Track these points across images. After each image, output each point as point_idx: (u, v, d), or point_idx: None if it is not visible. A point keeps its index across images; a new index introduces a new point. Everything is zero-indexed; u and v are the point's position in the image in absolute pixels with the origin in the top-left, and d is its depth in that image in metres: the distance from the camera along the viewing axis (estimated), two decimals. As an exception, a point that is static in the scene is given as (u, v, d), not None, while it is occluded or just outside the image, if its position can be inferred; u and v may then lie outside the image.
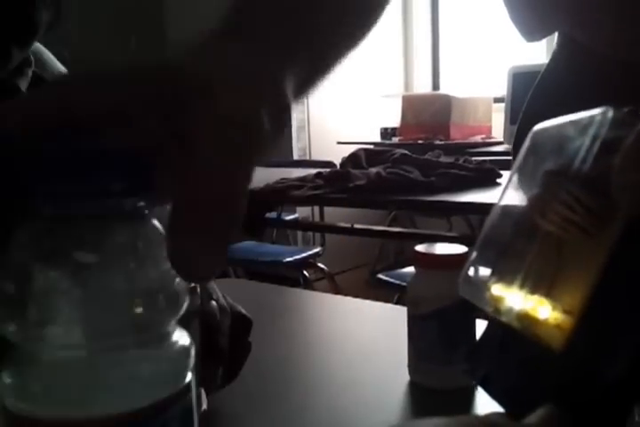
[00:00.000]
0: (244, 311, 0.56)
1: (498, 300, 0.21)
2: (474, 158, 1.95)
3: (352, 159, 2.06)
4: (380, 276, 2.10)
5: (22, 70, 0.60)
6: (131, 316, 0.22)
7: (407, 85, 4.10)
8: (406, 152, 1.99)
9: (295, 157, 3.49)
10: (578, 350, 0.18)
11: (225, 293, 0.55)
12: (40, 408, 0.21)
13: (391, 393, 0.53)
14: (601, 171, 0.19)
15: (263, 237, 2.69)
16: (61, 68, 0.86)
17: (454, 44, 3.89)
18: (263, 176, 2.20)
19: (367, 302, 0.80)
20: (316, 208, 2.99)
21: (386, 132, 3.59)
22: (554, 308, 0.19)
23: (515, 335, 0.21)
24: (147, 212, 0.24)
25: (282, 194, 1.84)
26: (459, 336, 0.53)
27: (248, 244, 2.82)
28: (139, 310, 0.22)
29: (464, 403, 0.50)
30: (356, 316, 0.76)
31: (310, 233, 3.34)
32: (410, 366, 0.56)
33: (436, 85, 4.08)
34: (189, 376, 0.24)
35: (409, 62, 4.09)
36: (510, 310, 0.20)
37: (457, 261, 0.47)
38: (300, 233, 3.40)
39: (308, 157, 3.51)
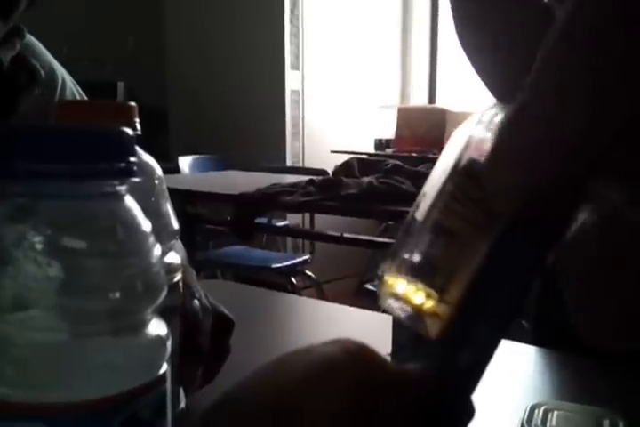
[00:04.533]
0: (226, 312, 0.55)
1: (388, 288, 0.22)
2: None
3: (345, 168, 2.06)
4: (368, 286, 2.10)
5: (8, 40, 0.60)
6: (107, 301, 0.22)
7: (403, 97, 4.12)
8: (399, 163, 2.00)
9: (288, 163, 3.49)
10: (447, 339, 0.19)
11: (209, 294, 0.55)
12: (12, 392, 0.21)
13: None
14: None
15: (253, 242, 2.68)
16: (53, 61, 0.86)
17: (452, 58, 3.92)
18: (254, 181, 2.20)
19: (353, 309, 0.80)
20: (307, 215, 2.99)
21: (380, 144, 3.60)
22: (436, 298, 0.20)
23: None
24: (126, 195, 0.24)
25: (273, 199, 1.84)
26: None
27: (237, 248, 2.81)
28: (116, 295, 0.22)
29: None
30: (341, 322, 0.76)
31: (300, 240, 3.34)
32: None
33: (432, 98, 4.10)
34: (164, 367, 0.24)
35: (406, 74, 4.11)
36: (395, 298, 0.21)
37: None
38: (289, 240, 3.39)
39: (300, 165, 3.51)
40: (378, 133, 3.72)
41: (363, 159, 2.20)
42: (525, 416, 0.46)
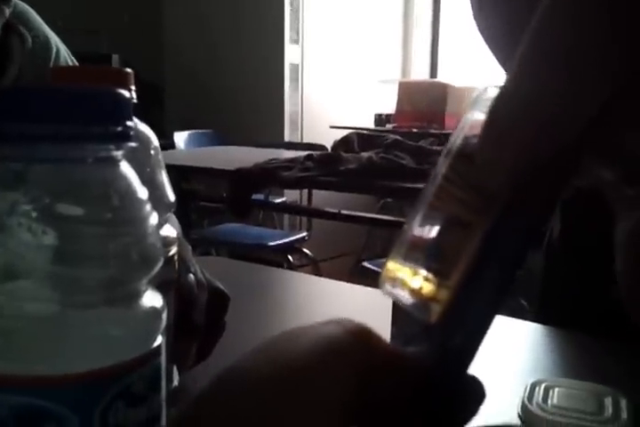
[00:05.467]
0: (222, 287, 0.55)
1: (390, 273, 0.22)
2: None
3: (344, 143, 2.05)
4: (366, 264, 2.10)
5: None
6: (101, 270, 0.21)
7: (404, 71, 4.09)
8: (399, 138, 1.98)
9: (286, 139, 3.47)
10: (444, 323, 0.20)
11: (204, 269, 0.54)
12: (1, 364, 0.21)
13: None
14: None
15: (249, 219, 2.68)
16: (47, 30, 0.85)
17: (454, 32, 3.87)
18: (252, 156, 2.19)
19: (350, 285, 0.80)
20: (305, 192, 2.98)
21: (380, 119, 3.58)
22: (436, 283, 0.20)
23: None
24: (122, 160, 0.23)
25: (270, 174, 1.83)
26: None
27: (233, 225, 2.81)
28: (111, 264, 0.21)
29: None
30: (338, 299, 0.76)
31: (297, 218, 3.34)
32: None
33: (433, 73, 4.06)
34: (159, 340, 0.24)
35: (407, 48, 4.07)
36: (397, 283, 0.22)
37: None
38: (286, 217, 3.39)
39: (299, 140, 3.49)
40: (378, 108, 3.69)
41: (362, 134, 2.19)
42: (526, 393, 0.46)
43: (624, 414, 0.43)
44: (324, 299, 0.76)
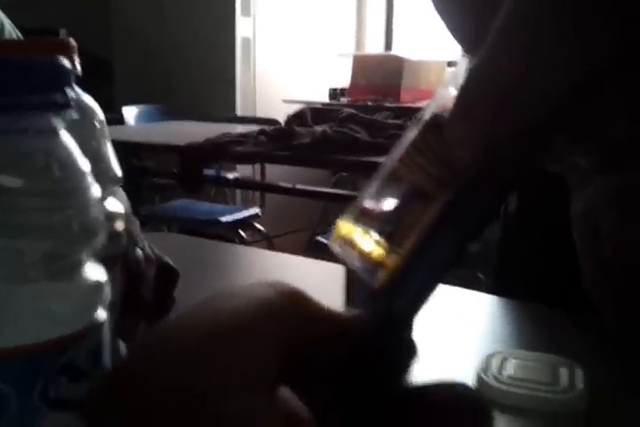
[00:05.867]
0: (171, 263, 0.54)
1: (341, 233, 0.22)
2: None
3: (297, 117, 2.03)
4: (320, 238, 2.10)
5: None
6: (42, 243, 0.21)
7: (359, 44, 4.06)
8: (354, 111, 1.97)
9: (239, 113, 3.42)
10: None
11: (154, 245, 0.53)
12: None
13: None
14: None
15: (200, 195, 2.65)
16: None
17: (410, 4, 3.86)
18: (204, 131, 2.15)
19: (304, 259, 0.79)
20: (258, 167, 2.95)
21: (334, 93, 3.56)
22: (387, 248, 0.21)
23: None
24: (62, 130, 0.22)
25: (222, 149, 1.80)
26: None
27: (184, 201, 2.77)
28: (51, 236, 0.21)
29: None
30: (293, 273, 0.75)
31: (250, 193, 3.31)
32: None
33: (388, 46, 4.05)
34: (102, 314, 0.23)
35: (362, 20, 4.04)
36: (347, 244, 0.22)
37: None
38: (239, 192, 3.36)
39: (252, 115, 3.45)
40: (332, 82, 3.67)
41: (316, 108, 2.17)
42: (482, 365, 0.47)
43: (579, 384, 0.43)
44: (277, 273, 0.75)
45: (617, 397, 0.44)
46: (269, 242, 2.80)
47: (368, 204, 0.22)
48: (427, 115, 0.21)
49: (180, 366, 0.16)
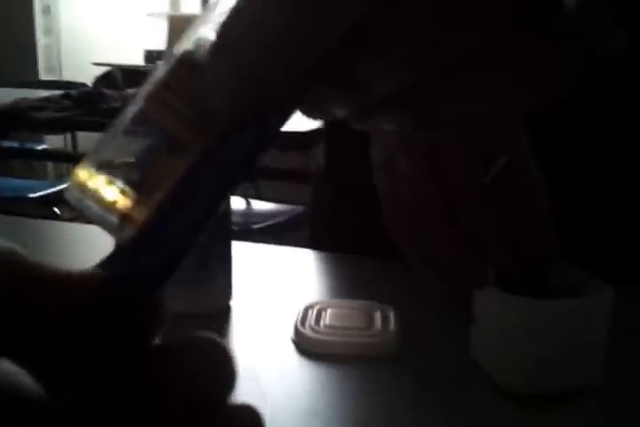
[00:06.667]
0: None
1: (79, 180, 0.20)
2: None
3: (106, 79, 1.92)
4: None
5: None
6: None
7: (174, 4, 3.92)
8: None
9: (42, 77, 3.18)
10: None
11: None
12: None
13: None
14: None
15: (3, 169, 2.43)
16: None
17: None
18: (-2, 96, 1.95)
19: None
20: (69, 137, 2.77)
21: (151, 55, 3.43)
22: (134, 199, 0.19)
23: None
24: None
25: (18, 116, 1.65)
26: (209, 258, 0.50)
27: (-17, 178, 2.53)
28: None
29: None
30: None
31: (63, 166, 3.12)
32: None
33: (205, 5, 3.95)
34: None
35: (175, -22, 3.89)
36: (86, 193, 0.20)
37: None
38: (50, 165, 3.15)
39: (57, 78, 3.23)
40: (148, 44, 3.52)
41: (129, 70, 2.06)
42: (299, 317, 0.46)
43: (391, 326, 0.44)
44: (100, 248, 0.70)
45: (428, 335, 0.45)
46: (88, 218, 2.65)
47: (113, 146, 0.20)
48: (183, 46, 0.20)
49: None
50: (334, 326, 0.45)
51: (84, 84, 2.43)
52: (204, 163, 0.19)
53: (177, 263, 0.19)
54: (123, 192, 0.19)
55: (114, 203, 0.19)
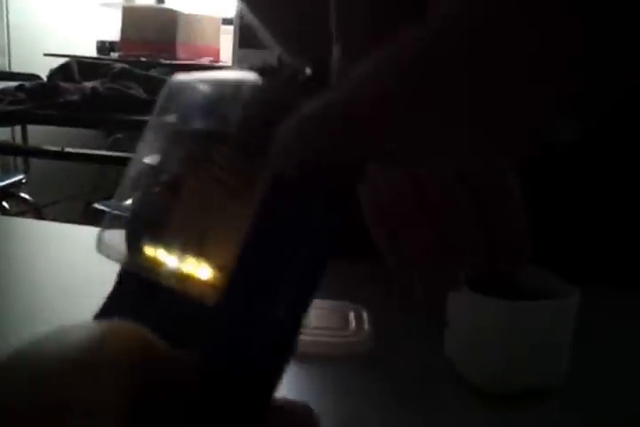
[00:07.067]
0: None
1: (153, 261, 0.22)
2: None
3: (63, 71, 1.88)
4: (97, 205, 1.99)
5: None
6: None
7: (128, -5, 3.85)
8: (127, 66, 1.88)
9: (-10, 68, 3.09)
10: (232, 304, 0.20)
11: None
12: None
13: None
14: (253, 136, 0.22)
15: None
16: None
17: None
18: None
19: (80, 227, 0.74)
20: (18, 129, 2.70)
21: (103, 46, 3.37)
22: (207, 265, 0.21)
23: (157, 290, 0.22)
24: None
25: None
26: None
27: None
28: None
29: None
30: (70, 242, 0.70)
31: (11, 158, 3.04)
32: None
33: (160, -3, 3.90)
34: None
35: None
36: (168, 271, 0.22)
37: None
38: (-3, 158, 3.06)
39: (7, 69, 3.14)
40: (101, 35, 3.45)
41: (84, 62, 2.03)
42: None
43: (366, 326, 0.46)
44: (52, 244, 0.69)
45: (402, 335, 0.47)
46: (38, 212, 2.60)
47: (167, 222, 0.22)
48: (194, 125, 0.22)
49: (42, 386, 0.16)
50: (311, 327, 0.46)
51: (36, 76, 2.38)
52: (258, 223, 0.20)
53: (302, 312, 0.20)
54: (190, 260, 0.21)
55: (187, 272, 0.21)
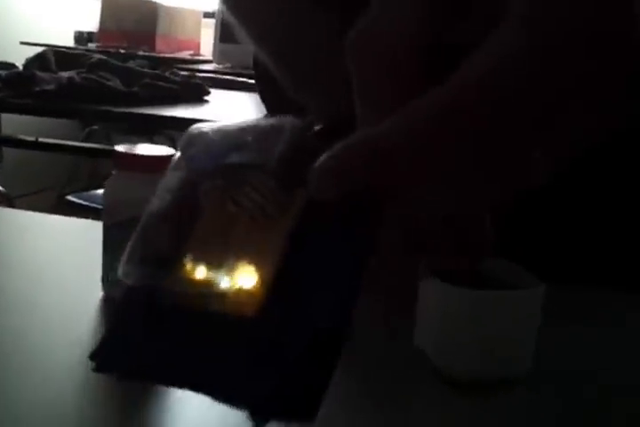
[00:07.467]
0: None
1: (199, 283, 0.24)
2: (182, 73, 1.91)
3: (39, 60, 1.87)
4: (70, 197, 1.98)
5: None
6: None
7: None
8: (105, 57, 1.87)
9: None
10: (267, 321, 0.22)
11: None
12: None
13: (83, 310, 0.50)
14: (289, 169, 0.25)
15: None
16: None
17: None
18: None
19: (54, 217, 0.74)
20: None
21: (81, 37, 3.34)
22: (245, 282, 0.23)
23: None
24: None
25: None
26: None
27: None
28: None
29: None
30: (43, 232, 0.70)
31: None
32: (103, 278, 0.54)
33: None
34: None
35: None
36: (214, 291, 0.24)
37: (161, 163, 0.45)
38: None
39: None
40: (78, 25, 3.42)
41: (61, 52, 2.01)
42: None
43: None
44: (26, 234, 0.69)
45: (373, 324, 0.48)
46: (10, 203, 2.57)
47: (207, 242, 0.24)
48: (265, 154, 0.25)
49: None
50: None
51: (12, 65, 2.36)
52: (294, 242, 0.23)
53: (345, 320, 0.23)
54: (233, 274, 0.23)
55: (232, 286, 0.23)
